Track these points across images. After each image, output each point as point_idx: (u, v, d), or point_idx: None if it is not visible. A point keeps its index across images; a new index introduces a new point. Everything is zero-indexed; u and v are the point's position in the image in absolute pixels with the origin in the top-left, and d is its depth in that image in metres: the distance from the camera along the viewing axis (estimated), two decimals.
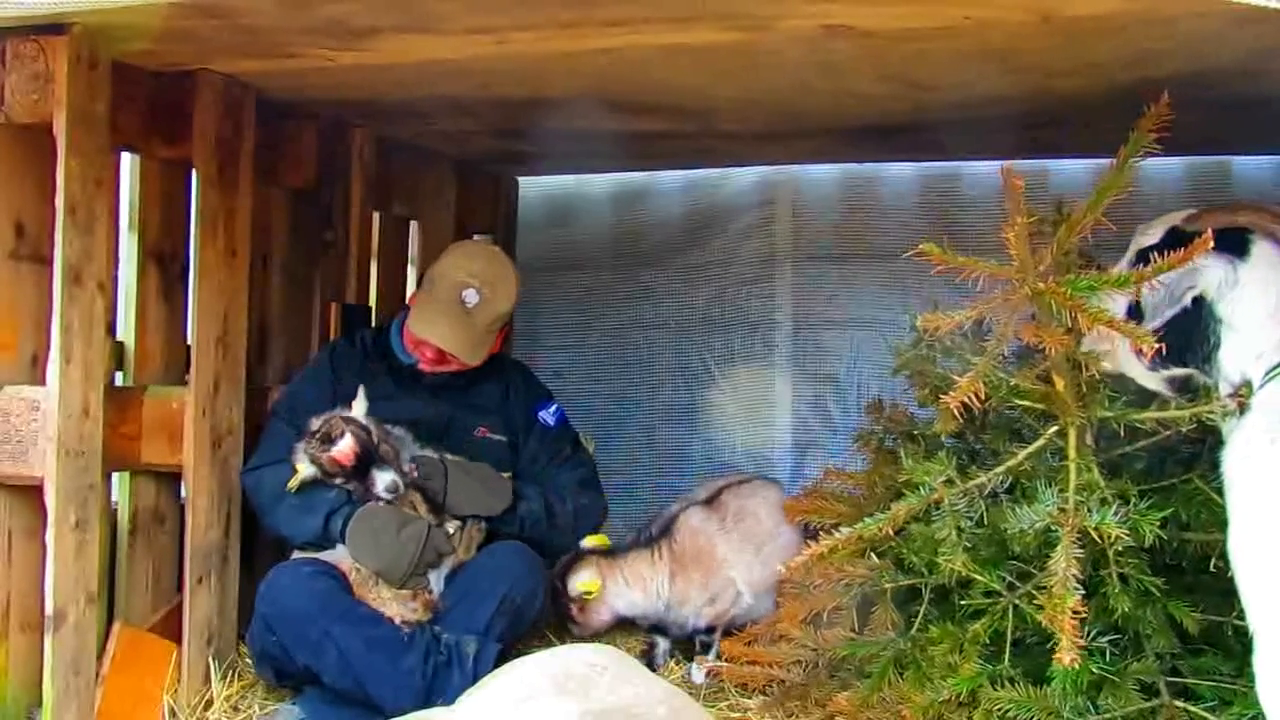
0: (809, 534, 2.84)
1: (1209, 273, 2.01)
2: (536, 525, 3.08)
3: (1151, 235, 2.16)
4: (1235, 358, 2.03)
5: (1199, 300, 2.03)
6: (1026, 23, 2.25)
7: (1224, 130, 3.27)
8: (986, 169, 3.95)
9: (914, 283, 3.94)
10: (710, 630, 3.22)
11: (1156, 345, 1.90)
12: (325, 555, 2.84)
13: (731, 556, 3.20)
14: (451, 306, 3.05)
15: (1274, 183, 3.82)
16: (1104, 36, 2.34)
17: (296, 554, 2.93)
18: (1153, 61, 2.47)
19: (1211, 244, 1.90)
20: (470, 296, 3.04)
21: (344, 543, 2.80)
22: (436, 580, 2.90)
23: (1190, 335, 2.04)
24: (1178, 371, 2.13)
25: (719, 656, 3.14)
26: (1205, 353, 2.06)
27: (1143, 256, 2.14)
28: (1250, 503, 1.93)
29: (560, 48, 2.51)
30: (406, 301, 3.41)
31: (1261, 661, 1.88)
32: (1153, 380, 2.19)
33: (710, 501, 3.31)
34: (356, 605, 2.76)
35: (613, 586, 3.15)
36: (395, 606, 2.79)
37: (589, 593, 3.12)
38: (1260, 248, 2.02)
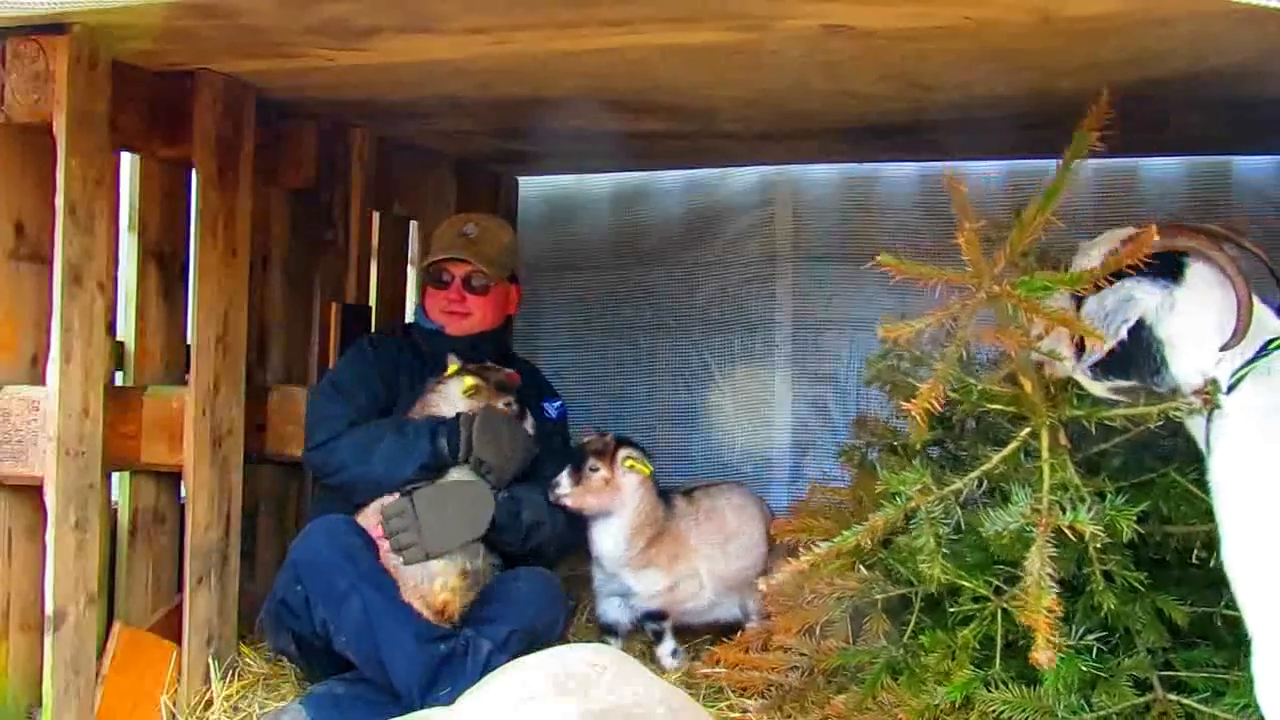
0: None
1: (1147, 300, 2.03)
2: (537, 530, 3.06)
3: (1090, 261, 2.15)
4: (1191, 365, 2.03)
5: (1140, 324, 2.04)
6: (1026, 23, 2.25)
7: (1224, 130, 3.27)
8: (986, 169, 3.95)
9: (913, 283, 3.92)
10: (661, 617, 3.19)
11: (1107, 350, 1.96)
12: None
13: (703, 548, 3.23)
14: (456, 240, 3.26)
15: (1274, 183, 3.81)
16: (1104, 36, 2.34)
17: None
18: (1153, 61, 2.47)
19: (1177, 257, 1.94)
20: (470, 229, 3.28)
21: (461, 450, 2.89)
22: (469, 562, 2.89)
23: (1134, 355, 2.06)
24: (1123, 383, 2.13)
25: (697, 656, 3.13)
26: (1153, 368, 2.07)
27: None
28: (1250, 506, 1.92)
29: (560, 48, 2.51)
30: (418, 295, 3.54)
31: (1260, 666, 1.88)
32: (1099, 389, 2.19)
33: (688, 494, 3.36)
34: (385, 573, 2.77)
35: (640, 491, 3.11)
36: (415, 591, 2.78)
37: (635, 468, 3.09)
38: (1195, 270, 2.04)
